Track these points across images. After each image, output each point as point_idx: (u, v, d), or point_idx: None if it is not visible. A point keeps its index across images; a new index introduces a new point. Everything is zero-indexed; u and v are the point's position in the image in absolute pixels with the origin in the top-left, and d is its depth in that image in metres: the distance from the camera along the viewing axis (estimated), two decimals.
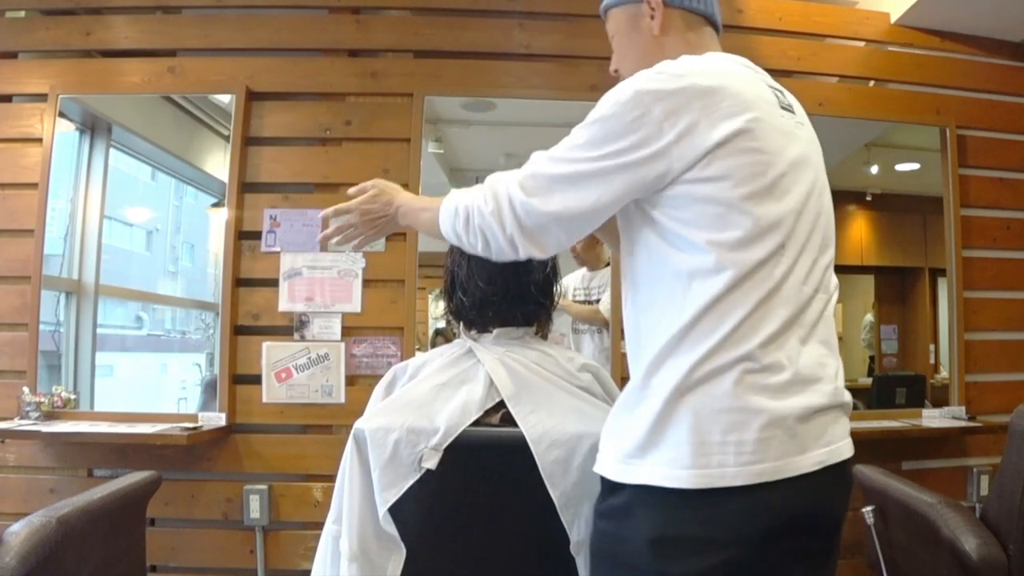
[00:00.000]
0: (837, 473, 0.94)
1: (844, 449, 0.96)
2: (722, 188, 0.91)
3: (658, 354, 0.94)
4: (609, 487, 0.99)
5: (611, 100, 0.96)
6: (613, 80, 1.10)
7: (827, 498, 0.94)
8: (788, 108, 1.03)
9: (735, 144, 0.91)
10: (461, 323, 1.48)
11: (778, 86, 1.07)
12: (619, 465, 0.95)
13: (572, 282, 2.62)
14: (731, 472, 0.87)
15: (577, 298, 2.58)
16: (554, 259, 1.43)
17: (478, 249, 1.05)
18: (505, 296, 1.37)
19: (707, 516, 0.89)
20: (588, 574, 1.08)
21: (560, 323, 2.63)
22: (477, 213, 1.02)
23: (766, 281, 0.92)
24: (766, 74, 1.07)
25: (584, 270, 2.63)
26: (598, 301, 2.54)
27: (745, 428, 0.88)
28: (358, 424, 1.27)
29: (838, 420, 0.96)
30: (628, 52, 1.14)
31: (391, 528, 1.24)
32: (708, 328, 0.91)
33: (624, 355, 2.34)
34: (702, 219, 0.93)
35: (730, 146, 0.91)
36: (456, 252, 1.42)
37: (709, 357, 0.90)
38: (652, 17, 1.10)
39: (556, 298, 1.49)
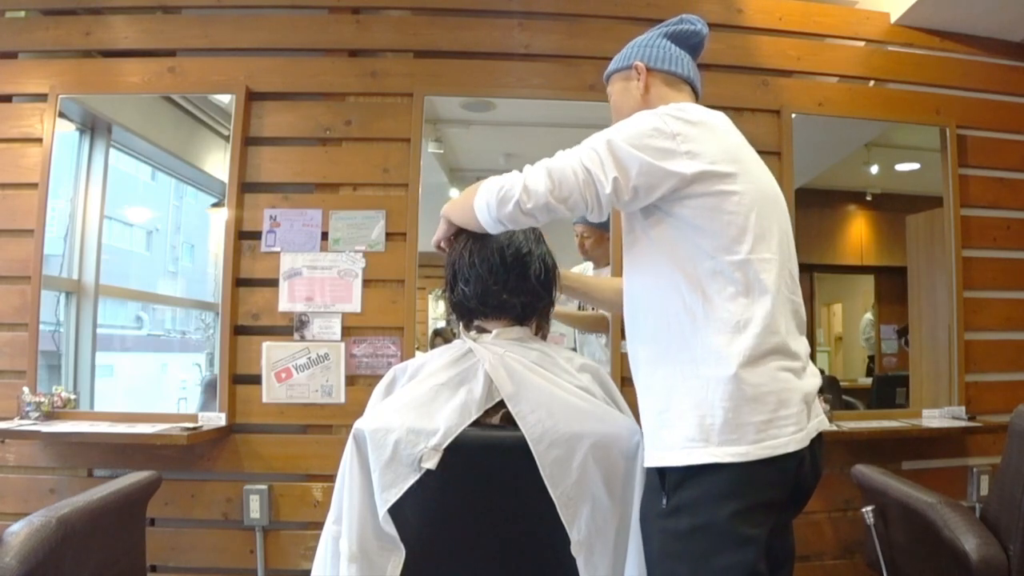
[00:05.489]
0: (819, 439, 1.18)
1: (825, 420, 1.21)
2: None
3: (703, 350, 1.10)
4: (674, 483, 1.10)
5: None
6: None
7: (817, 454, 1.18)
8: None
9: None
10: (461, 322, 1.48)
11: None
12: (686, 451, 1.09)
13: None
14: (785, 440, 1.08)
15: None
16: (552, 257, 1.43)
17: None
18: (506, 285, 1.37)
19: (773, 480, 1.09)
20: None
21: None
22: None
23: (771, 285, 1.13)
24: None
25: (589, 265, 2.56)
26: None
27: (790, 404, 1.10)
28: (358, 424, 1.27)
29: (817, 399, 1.21)
30: (622, 109, 1.35)
31: (391, 528, 1.24)
32: (746, 322, 1.10)
33: (624, 355, 2.37)
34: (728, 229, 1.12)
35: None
36: (458, 245, 1.43)
37: (755, 348, 1.09)
38: (638, 79, 1.34)
39: (555, 294, 1.49)
